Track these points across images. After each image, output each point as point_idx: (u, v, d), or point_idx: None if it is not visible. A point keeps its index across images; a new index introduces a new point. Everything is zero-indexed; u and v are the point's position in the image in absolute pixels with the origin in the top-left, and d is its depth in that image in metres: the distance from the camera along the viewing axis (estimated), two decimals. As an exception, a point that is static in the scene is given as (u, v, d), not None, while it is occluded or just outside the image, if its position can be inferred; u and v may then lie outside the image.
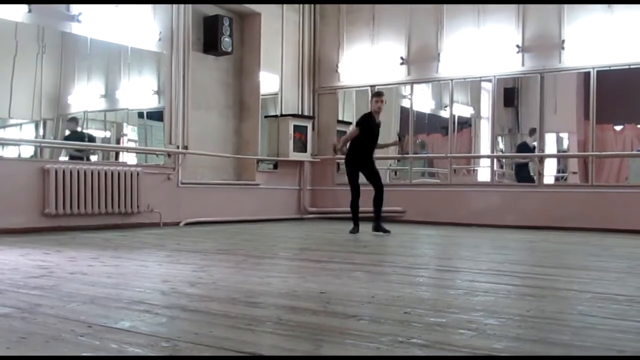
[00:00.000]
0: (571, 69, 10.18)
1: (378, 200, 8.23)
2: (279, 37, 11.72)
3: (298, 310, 3.14)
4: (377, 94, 8.47)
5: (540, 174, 10.44)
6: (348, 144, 8.42)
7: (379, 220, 8.27)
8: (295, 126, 11.54)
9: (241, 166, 11.32)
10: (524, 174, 11.03)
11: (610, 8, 9.60)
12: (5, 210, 7.69)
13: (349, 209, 8.46)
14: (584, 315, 3.06)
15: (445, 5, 11.03)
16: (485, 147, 11.69)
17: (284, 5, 11.79)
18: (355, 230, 8.28)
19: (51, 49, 8.81)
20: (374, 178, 8.32)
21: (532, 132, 10.88)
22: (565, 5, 9.97)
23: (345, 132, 12.42)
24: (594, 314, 3.07)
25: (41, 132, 8.88)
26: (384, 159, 12.21)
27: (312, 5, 12.40)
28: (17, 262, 4.95)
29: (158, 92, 10.03)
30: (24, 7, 7.93)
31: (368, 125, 8.30)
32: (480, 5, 10.69)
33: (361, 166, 8.31)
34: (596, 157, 10.12)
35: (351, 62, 12.00)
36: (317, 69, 12.44)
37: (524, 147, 11.14)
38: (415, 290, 3.89)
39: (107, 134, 9.83)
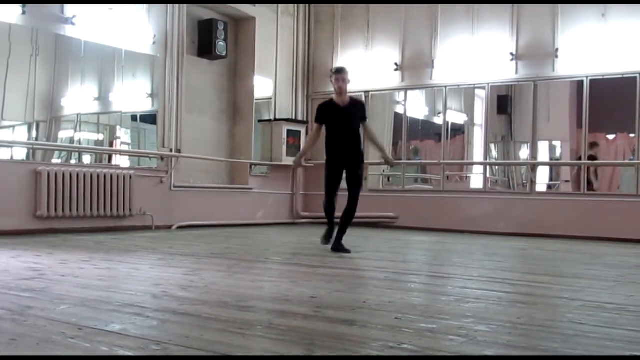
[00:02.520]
0: (564, 77, 10.22)
1: (347, 213, 6.67)
2: (273, 41, 11.73)
3: (289, 315, 3.14)
4: (335, 71, 6.94)
5: (533, 182, 10.47)
6: (309, 153, 7.43)
7: (340, 237, 6.62)
8: (288, 131, 11.55)
9: (234, 170, 11.31)
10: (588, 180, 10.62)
11: (604, 17, 9.65)
12: (-4, 211, 7.67)
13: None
14: (574, 323, 3.07)
15: (439, 12, 11.06)
16: (478, 154, 11.71)
17: (279, 10, 11.80)
18: (326, 237, 6.82)
19: (45, 51, 8.79)
20: (353, 185, 6.71)
21: (593, 145, 10.89)
22: (560, 14, 10.02)
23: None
24: (584, 322, 3.09)
25: (34, 134, 8.86)
26: (377, 165, 12.23)
27: (307, 11, 12.41)
28: (8, 264, 4.94)
29: (152, 95, 10.02)
30: (18, 9, 7.92)
31: (327, 112, 6.77)
32: (475, 13, 10.74)
33: (341, 163, 6.69)
34: (588, 166, 10.16)
35: (345, 67, 11.99)
36: (311, 74, 12.46)
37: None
38: (407, 296, 3.89)
39: (100, 136, 9.81)
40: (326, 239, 6.84)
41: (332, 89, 6.97)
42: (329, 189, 6.72)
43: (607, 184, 11.14)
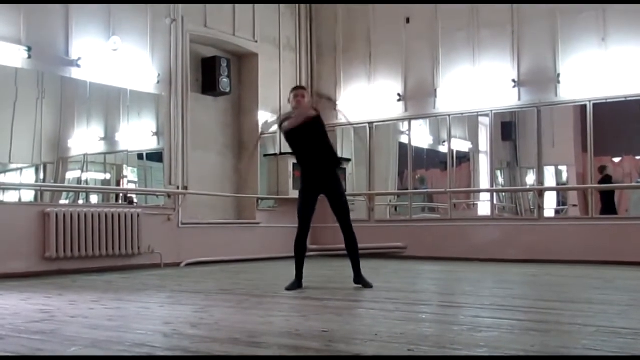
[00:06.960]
0: (567, 102, 10.25)
1: (350, 245, 6.26)
2: (276, 76, 11.82)
3: (301, 350, 3.12)
4: (292, 89, 6.62)
5: (541, 208, 10.43)
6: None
7: (357, 270, 6.23)
8: (294, 164, 11.54)
9: (241, 205, 11.33)
10: (609, 203, 10.55)
11: (605, 42, 9.72)
12: (5, 254, 7.66)
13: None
14: (588, 350, 3.04)
15: (440, 42, 11.14)
16: (484, 181, 11.71)
17: (281, 45, 11.92)
18: (294, 285, 6.15)
19: (51, 94, 8.88)
20: (339, 209, 6.25)
21: (603, 169, 10.83)
22: (560, 40, 10.09)
23: (345, 169, 12.48)
24: (598, 348, 3.05)
25: (41, 175, 8.90)
26: (384, 195, 12.22)
27: (309, 44, 12.52)
28: (18, 307, 4.93)
29: (157, 134, 10.08)
30: (23, 54, 8.02)
31: (286, 129, 6.28)
32: (475, 41, 10.81)
33: (315, 187, 6.25)
34: (596, 190, 10.13)
35: (349, 100, 12.08)
36: (315, 108, 12.50)
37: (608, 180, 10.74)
38: (419, 327, 3.86)
39: (107, 176, 9.85)
40: (294, 286, 6.14)
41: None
42: (302, 220, 6.29)
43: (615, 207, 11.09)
